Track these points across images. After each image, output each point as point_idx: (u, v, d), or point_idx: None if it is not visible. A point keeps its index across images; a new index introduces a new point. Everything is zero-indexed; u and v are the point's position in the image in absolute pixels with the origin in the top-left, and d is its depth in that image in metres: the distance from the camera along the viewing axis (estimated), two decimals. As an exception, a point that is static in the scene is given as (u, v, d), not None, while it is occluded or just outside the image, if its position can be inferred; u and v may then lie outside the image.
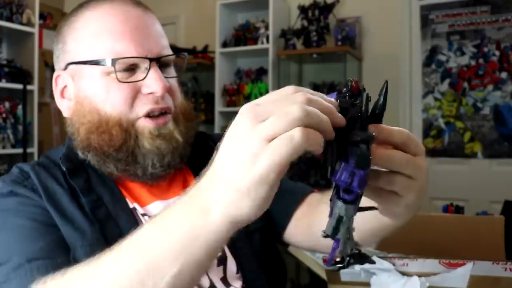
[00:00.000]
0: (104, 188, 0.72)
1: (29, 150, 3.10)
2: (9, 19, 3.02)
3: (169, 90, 0.73)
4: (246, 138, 0.40)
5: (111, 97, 0.70)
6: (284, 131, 0.39)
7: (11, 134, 3.04)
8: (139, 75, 0.71)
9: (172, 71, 0.77)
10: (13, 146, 3.05)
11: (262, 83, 3.56)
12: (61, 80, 0.76)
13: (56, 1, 3.85)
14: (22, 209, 0.66)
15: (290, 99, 0.42)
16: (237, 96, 3.58)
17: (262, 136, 0.40)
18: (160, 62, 0.72)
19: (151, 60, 0.70)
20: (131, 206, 0.72)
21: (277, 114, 0.40)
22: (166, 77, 0.73)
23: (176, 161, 0.74)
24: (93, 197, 0.70)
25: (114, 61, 0.68)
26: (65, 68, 0.74)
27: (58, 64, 0.76)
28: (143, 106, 0.71)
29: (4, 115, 3.01)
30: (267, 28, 3.48)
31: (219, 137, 0.93)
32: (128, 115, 0.70)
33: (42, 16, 3.52)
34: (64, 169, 0.71)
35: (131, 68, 0.71)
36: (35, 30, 3.15)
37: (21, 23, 3.08)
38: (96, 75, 0.70)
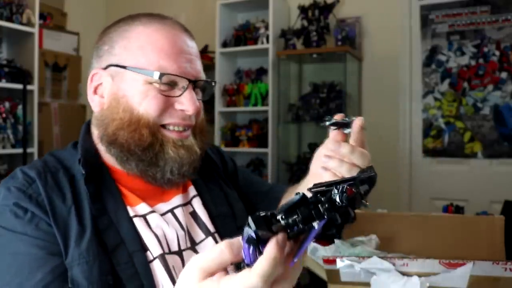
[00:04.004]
0: (109, 195, 0.77)
1: (29, 150, 3.10)
2: (9, 19, 3.02)
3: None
4: None
5: (147, 103, 0.76)
6: None
7: (11, 134, 3.04)
8: (176, 91, 0.78)
9: (200, 92, 0.84)
10: (13, 146, 3.05)
11: (262, 83, 3.56)
12: (97, 77, 0.80)
13: (56, 1, 3.85)
14: (26, 232, 0.69)
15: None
16: (237, 96, 3.58)
17: None
18: (195, 84, 0.80)
19: (190, 81, 0.78)
20: (131, 214, 0.77)
21: None
22: (198, 99, 0.80)
23: (190, 172, 0.80)
24: (99, 206, 0.74)
25: (161, 75, 0.75)
26: (106, 68, 0.79)
27: (99, 63, 0.81)
28: (170, 118, 0.78)
29: (4, 115, 3.01)
30: (267, 28, 3.48)
31: (212, 147, 1.02)
32: (156, 120, 0.77)
33: (42, 16, 3.52)
34: (83, 172, 0.75)
35: (171, 84, 0.77)
36: (35, 30, 3.15)
37: (21, 23, 3.08)
38: (139, 81, 0.76)
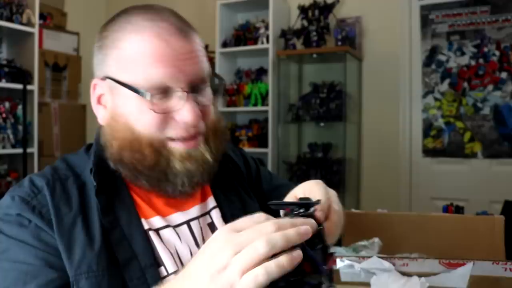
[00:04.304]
0: (123, 206, 0.74)
1: (29, 150, 3.10)
2: (9, 19, 3.02)
3: (201, 115, 0.74)
4: (226, 268, 0.48)
5: (143, 119, 0.71)
6: (254, 266, 0.47)
7: (11, 134, 3.04)
8: (174, 100, 0.72)
9: (207, 93, 0.77)
10: (13, 146, 3.05)
11: (262, 83, 3.56)
12: (99, 88, 0.77)
13: (56, 1, 3.85)
14: (27, 240, 0.68)
15: (260, 230, 0.50)
16: (237, 96, 3.58)
17: (239, 269, 0.47)
18: (194, 89, 0.74)
19: (186, 92, 0.72)
20: (146, 226, 0.74)
21: (248, 249, 0.48)
22: (200, 102, 0.74)
23: (204, 180, 0.77)
24: (111, 218, 0.71)
25: (149, 94, 0.70)
26: (104, 79, 0.76)
27: (98, 72, 0.77)
28: (174, 132, 0.73)
29: (4, 115, 3.01)
30: (267, 28, 3.48)
31: (235, 149, 0.99)
32: (159, 136, 0.72)
33: (42, 16, 3.52)
34: (94, 184, 0.72)
35: (166, 95, 0.72)
36: (35, 30, 3.15)
37: (21, 23, 3.08)
38: (132, 97, 0.72)
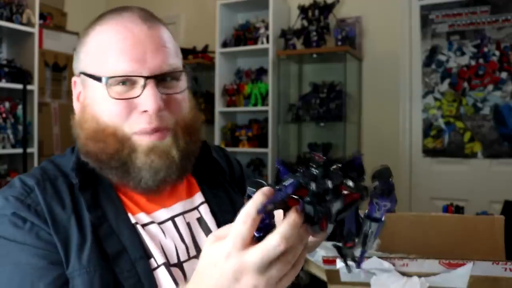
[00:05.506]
0: (109, 202, 0.74)
1: (29, 150, 3.10)
2: (9, 19, 3.02)
3: (168, 107, 0.73)
4: None
5: (108, 109, 0.72)
6: None
7: (11, 134, 3.04)
8: (137, 90, 0.72)
9: (176, 85, 0.76)
10: (13, 146, 3.05)
11: (262, 83, 3.57)
12: (78, 85, 0.80)
13: (56, 1, 3.85)
14: (26, 241, 0.67)
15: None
16: (237, 96, 3.58)
17: None
18: (161, 78, 0.73)
19: (146, 78, 0.71)
20: (133, 221, 0.74)
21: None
22: (167, 94, 0.73)
23: (172, 176, 0.75)
24: (98, 214, 0.72)
25: (107, 80, 0.71)
26: (79, 75, 0.78)
27: (75, 70, 0.80)
28: (136, 124, 0.72)
29: (4, 115, 3.01)
30: (267, 28, 3.48)
31: (218, 149, 1.00)
32: (123, 128, 0.72)
33: (42, 16, 3.51)
34: (76, 181, 0.73)
35: (128, 85, 0.72)
36: (35, 30, 3.16)
37: (21, 23, 3.08)
38: (98, 87, 0.73)
